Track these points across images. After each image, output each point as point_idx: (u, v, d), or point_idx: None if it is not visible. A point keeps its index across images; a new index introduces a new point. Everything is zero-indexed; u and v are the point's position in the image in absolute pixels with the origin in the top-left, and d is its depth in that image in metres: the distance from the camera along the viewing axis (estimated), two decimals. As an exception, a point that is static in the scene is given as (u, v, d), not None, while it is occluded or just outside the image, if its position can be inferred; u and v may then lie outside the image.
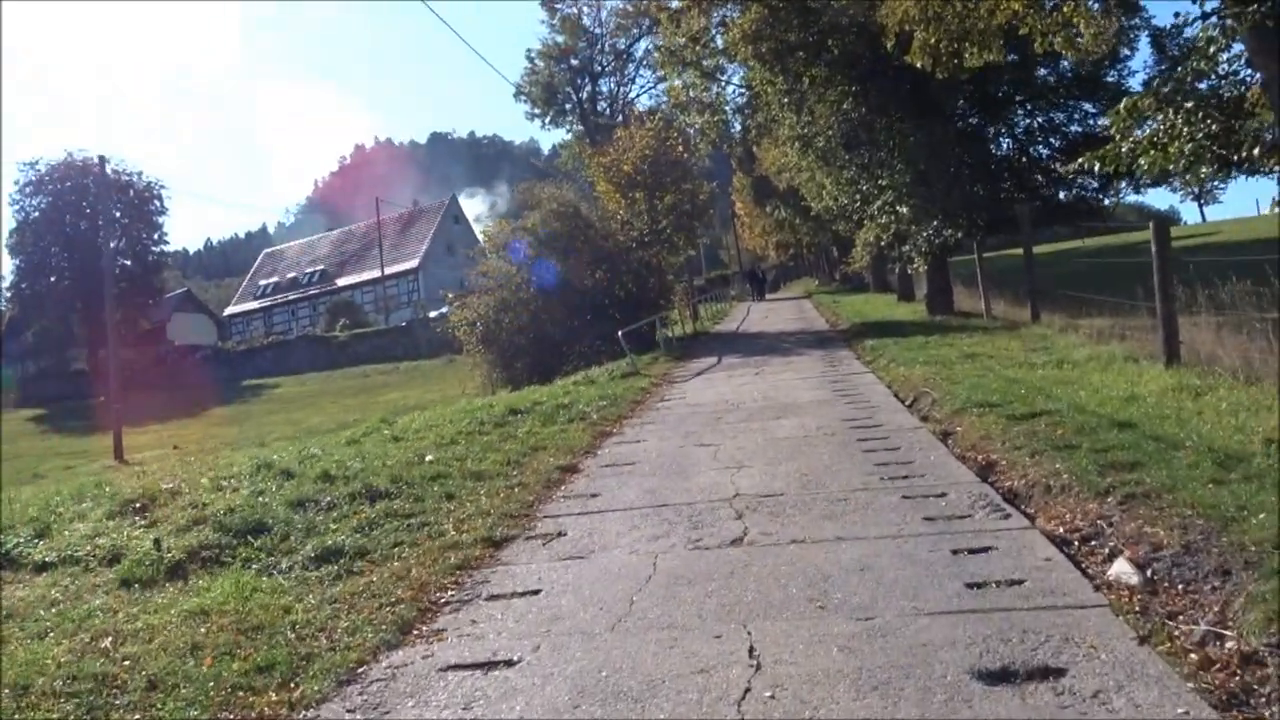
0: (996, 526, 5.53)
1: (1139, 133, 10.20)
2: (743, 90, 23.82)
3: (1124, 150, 9.55)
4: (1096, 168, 10.22)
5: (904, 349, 15.84)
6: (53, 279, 68.31)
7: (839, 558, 5.17)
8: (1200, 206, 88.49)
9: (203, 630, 4.89)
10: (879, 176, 21.48)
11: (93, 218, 67.70)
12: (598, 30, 59.88)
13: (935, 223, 19.84)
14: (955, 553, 5.09)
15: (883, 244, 35.32)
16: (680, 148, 27.50)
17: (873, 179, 22.04)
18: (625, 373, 16.89)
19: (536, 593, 5.20)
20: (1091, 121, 21.21)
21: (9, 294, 72.39)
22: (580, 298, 24.51)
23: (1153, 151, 9.21)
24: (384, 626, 4.81)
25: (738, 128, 26.26)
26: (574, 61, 60.24)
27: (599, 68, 60.50)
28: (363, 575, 5.75)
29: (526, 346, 24.27)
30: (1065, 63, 20.41)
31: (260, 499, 7.91)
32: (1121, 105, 9.56)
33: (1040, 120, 20.49)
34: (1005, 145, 21.19)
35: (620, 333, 18.36)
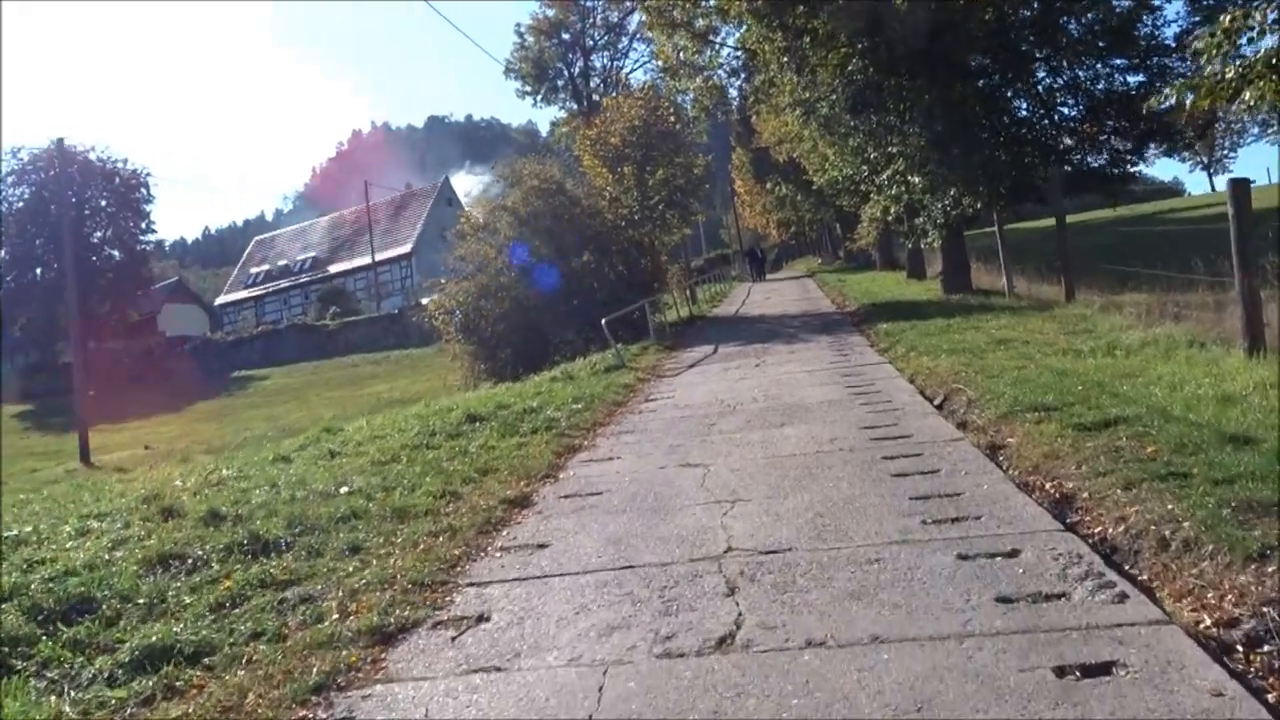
0: (1111, 618, 3.71)
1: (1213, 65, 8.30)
2: (738, 53, 21.87)
3: (1228, 76, 7.67)
4: (1188, 101, 8.32)
5: (924, 334, 14.01)
6: (39, 271, 66.83)
7: (881, 683, 3.35)
8: (1210, 176, 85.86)
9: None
10: (888, 143, 19.56)
11: (79, 206, 66.06)
12: (589, 3, 57.75)
13: (953, 192, 17.93)
14: (1062, 674, 3.28)
15: (890, 218, 33.53)
16: (673, 118, 25.57)
17: (881, 146, 20.12)
18: (609, 366, 15.08)
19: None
20: (1118, 79, 19.23)
21: (-4, 287, 70.69)
22: (566, 281, 22.65)
23: (1273, 77, 7.30)
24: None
25: (734, 94, 24.39)
26: (565, 36, 58.16)
27: (591, 42, 58.45)
28: (184, 698, 3.96)
29: (509, 335, 22.44)
30: (1090, 14, 18.46)
31: (115, 553, 6.14)
32: (1225, 19, 7.69)
33: (1064, 78, 18.51)
34: (1024, 106, 19.20)
35: (605, 321, 16.51)
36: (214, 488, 8.39)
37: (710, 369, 14.13)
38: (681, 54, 22.58)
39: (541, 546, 5.67)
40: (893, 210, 26.25)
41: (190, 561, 5.80)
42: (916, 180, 19.30)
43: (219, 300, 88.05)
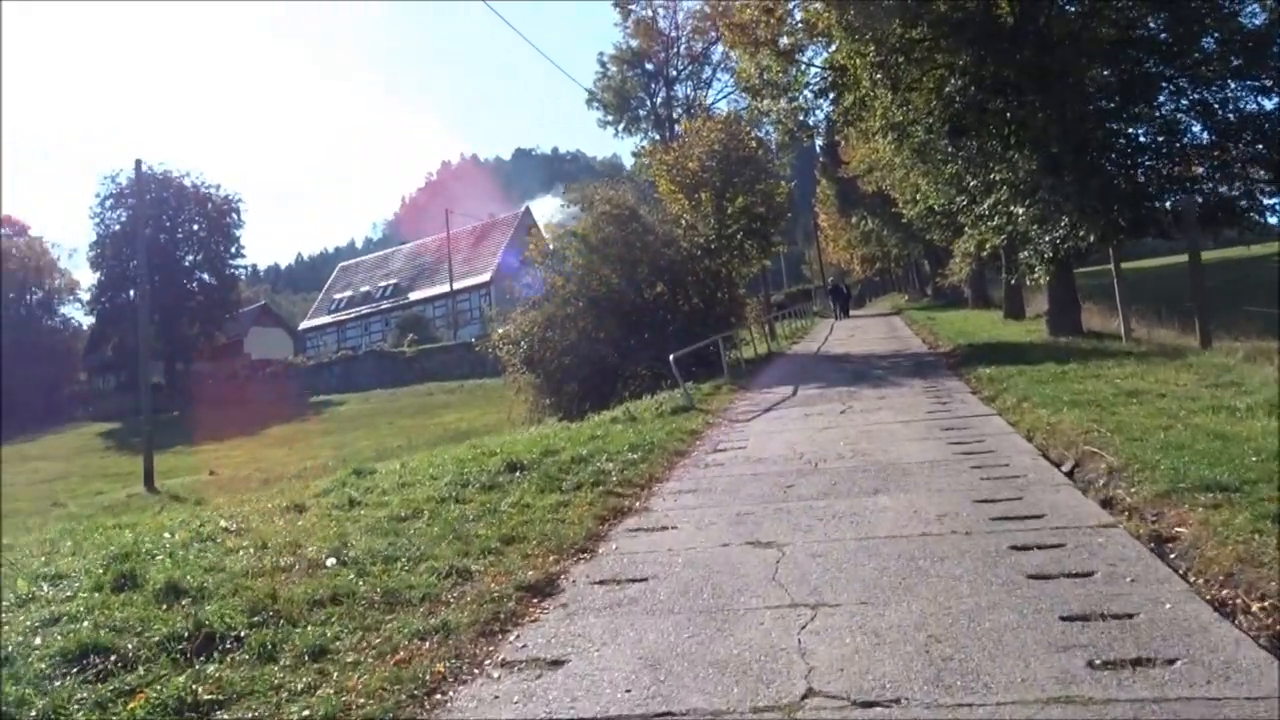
0: None
1: None
2: (826, 73, 20.40)
3: None
4: None
5: (1035, 381, 12.26)
6: (132, 292, 68.52)
7: None
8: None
9: None
10: (991, 170, 17.82)
11: (172, 230, 67.64)
12: (673, 33, 56.94)
13: (1064, 222, 16.11)
14: None
15: (984, 254, 31.53)
16: (754, 143, 24.15)
17: (982, 174, 18.38)
18: (676, 407, 13.62)
19: None
20: (1251, 101, 17.18)
21: (90, 308, 72.65)
22: (637, 313, 21.32)
23: None
24: None
25: (820, 116, 22.97)
26: (648, 66, 57.40)
27: (674, 72, 57.53)
28: None
29: (574, 369, 21.14)
30: (1219, 31, 16.56)
31: (38, 637, 4.91)
32: None
33: (1190, 99, 16.53)
34: (1144, 130, 17.22)
35: (673, 357, 15.05)
36: (201, 543, 7.17)
37: (789, 414, 12.57)
38: (765, 74, 21.23)
39: (556, 664, 4.25)
40: (991, 244, 24.42)
41: (113, 659, 4.52)
42: (1020, 211, 17.52)
43: (303, 325, 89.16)
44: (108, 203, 66.67)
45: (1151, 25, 15.77)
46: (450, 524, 7.20)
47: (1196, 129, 17.47)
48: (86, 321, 76.84)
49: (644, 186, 25.32)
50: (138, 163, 34.29)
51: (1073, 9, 15.01)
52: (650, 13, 55.34)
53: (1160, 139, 16.87)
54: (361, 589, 5.44)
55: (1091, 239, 16.23)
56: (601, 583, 5.51)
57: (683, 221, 22.97)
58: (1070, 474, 7.42)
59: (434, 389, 52.51)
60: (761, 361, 22.30)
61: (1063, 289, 19.00)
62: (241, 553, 6.59)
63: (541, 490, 8.14)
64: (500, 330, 22.85)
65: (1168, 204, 16.45)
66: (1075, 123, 15.30)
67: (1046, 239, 17.07)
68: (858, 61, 16.92)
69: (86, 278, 71.62)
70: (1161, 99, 17.30)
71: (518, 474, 8.98)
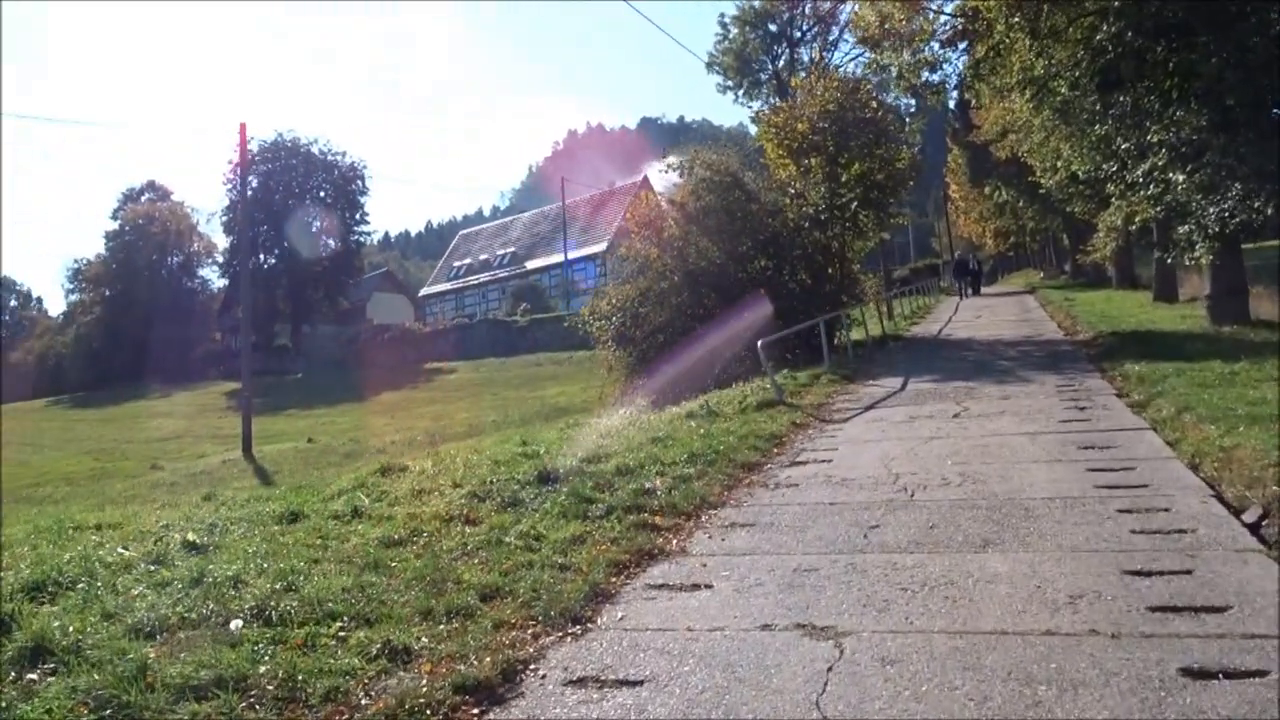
0: None
1: None
2: (956, 20, 18.05)
3: None
4: None
5: (1197, 384, 10.07)
6: (261, 256, 70.40)
7: None
8: None
9: None
10: (1148, 130, 15.28)
11: (300, 196, 68.97)
12: (800, -9, 54.20)
13: (1236, 190, 13.57)
14: None
15: (1133, 228, 28.42)
16: (874, 103, 21.86)
17: (1137, 135, 15.84)
18: (763, 401, 11.88)
19: None
20: None
21: (223, 270, 74.89)
22: (738, 289, 19.51)
23: None
24: None
25: (948, 71, 20.52)
26: (771, 28, 54.84)
27: (798, 33, 54.81)
28: None
29: (668, 348, 19.52)
30: None
31: None
32: None
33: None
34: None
35: (761, 343, 13.28)
36: (130, 571, 5.92)
37: (892, 416, 10.69)
38: (886, 23, 19.01)
39: None
40: (1143, 217, 21.65)
41: None
42: (1181, 178, 14.97)
43: (422, 292, 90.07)
44: (238, 168, 68.11)
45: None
46: (438, 558, 5.79)
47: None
48: (221, 284, 79.26)
49: (750, 152, 23.36)
50: (242, 127, 33.82)
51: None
52: (776, -30, 52.76)
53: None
54: (258, 673, 4.02)
55: (1270, 211, 13.64)
56: (579, 683, 3.94)
57: (790, 190, 20.96)
58: (1257, 527, 5.47)
59: (543, 359, 51.89)
60: (873, 346, 20.20)
61: (1229, 270, 16.35)
62: (165, 592, 5.28)
63: (563, 515, 6.61)
64: (591, 304, 21.39)
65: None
66: (1259, 69, 12.70)
67: (1212, 211, 14.51)
68: (992, 3, 14.61)
69: (222, 241, 73.58)
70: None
71: (546, 488, 7.47)
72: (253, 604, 4.95)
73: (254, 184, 67.25)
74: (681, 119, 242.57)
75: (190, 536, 6.82)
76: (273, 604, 4.95)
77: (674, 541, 6.04)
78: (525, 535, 6.15)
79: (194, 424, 43.01)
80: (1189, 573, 4.68)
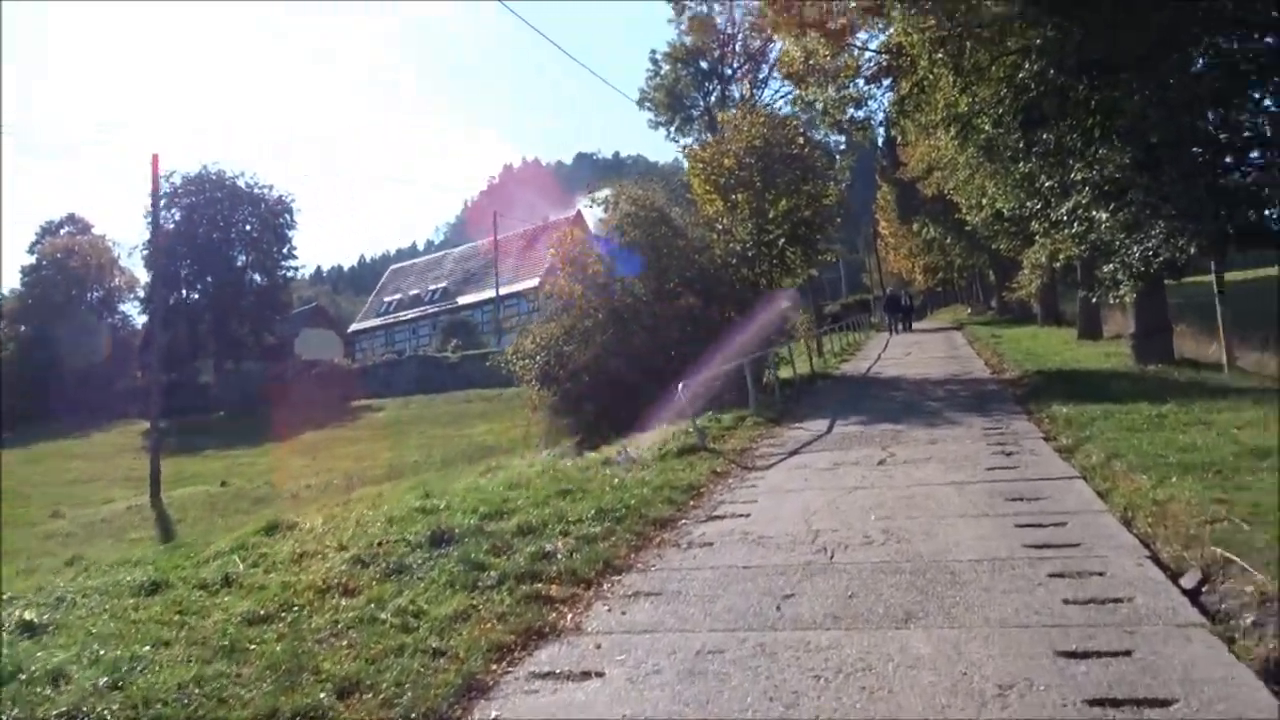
0: None
1: None
2: (881, 57, 17.97)
3: None
4: None
5: (1126, 427, 9.81)
6: (184, 292, 68.51)
7: None
8: None
9: None
10: (1070, 168, 15.23)
11: (225, 230, 67.30)
12: (730, 29, 54.53)
13: (1159, 229, 13.51)
14: None
15: (1058, 265, 28.68)
16: (801, 140, 21.69)
17: (1060, 173, 15.79)
18: (684, 447, 11.34)
19: None
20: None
21: (144, 306, 72.65)
22: (664, 327, 19.07)
23: None
24: None
25: (873, 107, 20.42)
26: (702, 64, 55.06)
27: (729, 70, 55.09)
28: None
29: (593, 389, 18.98)
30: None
31: None
32: None
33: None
34: (1262, 119, 14.41)
35: (682, 386, 12.77)
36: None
37: (816, 462, 10.22)
38: (811, 59, 18.85)
39: None
40: (1067, 255, 21.75)
41: None
42: (1104, 216, 14.91)
43: (352, 328, 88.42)
44: (161, 201, 66.26)
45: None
46: (302, 640, 5.12)
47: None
48: (143, 319, 76.77)
49: (678, 187, 23.04)
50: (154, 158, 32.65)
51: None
52: (706, 8, 52.98)
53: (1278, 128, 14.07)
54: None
55: (1192, 250, 13.60)
56: (429, 813, 3.32)
57: (718, 226, 20.64)
58: (1197, 594, 5.06)
59: (473, 396, 50.98)
60: (802, 385, 19.82)
61: (1152, 309, 16.32)
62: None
63: (451, 584, 5.96)
64: (515, 342, 20.77)
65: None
66: (1180, 107, 12.66)
67: (1136, 249, 14.46)
68: (915, 38, 14.47)
69: (144, 276, 71.33)
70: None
71: (439, 551, 6.81)
72: (66, 709, 4.24)
73: (177, 217, 65.58)
74: (617, 154, 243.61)
75: (29, 615, 6.03)
76: (90, 707, 4.24)
77: (569, 616, 5.43)
78: (403, 611, 5.49)
79: (106, 466, 41.23)
80: (1128, 654, 4.22)
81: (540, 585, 5.87)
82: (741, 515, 7.80)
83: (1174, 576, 5.34)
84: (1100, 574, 5.42)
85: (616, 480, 9.40)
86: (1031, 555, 5.88)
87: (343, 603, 5.85)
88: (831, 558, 6.22)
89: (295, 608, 5.83)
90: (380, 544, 7.18)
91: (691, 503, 8.47)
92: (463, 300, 78.55)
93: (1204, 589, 5.11)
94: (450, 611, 5.41)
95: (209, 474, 34.89)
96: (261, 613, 5.76)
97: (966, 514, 7.14)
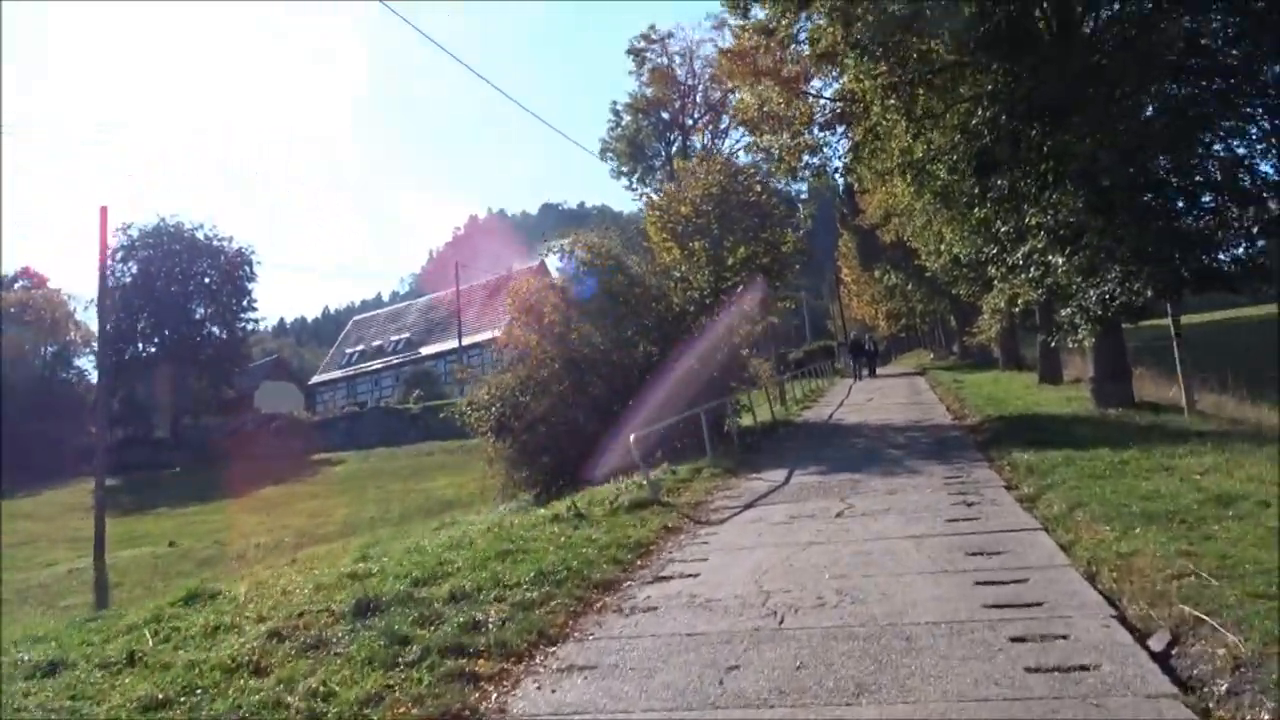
0: None
1: None
2: (835, 104, 17.96)
3: None
4: None
5: (1088, 475, 9.55)
6: (139, 345, 67.49)
7: None
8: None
9: None
10: (1025, 214, 15.17)
11: (184, 283, 66.47)
12: (690, 81, 55.10)
13: (1115, 273, 13.42)
14: None
15: (1017, 309, 28.74)
16: (759, 187, 21.60)
17: (1015, 218, 15.74)
18: (637, 500, 10.93)
19: None
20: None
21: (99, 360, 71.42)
22: (622, 376, 18.73)
23: None
24: None
25: (828, 154, 20.38)
26: (664, 115, 55.53)
27: (690, 120, 55.56)
28: None
29: (550, 440, 18.54)
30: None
31: None
32: None
33: (1267, 124, 13.76)
34: (1211, 163, 14.45)
35: (633, 438, 12.35)
36: None
37: (772, 515, 9.84)
38: (765, 106, 18.82)
39: None
40: (1025, 299, 21.73)
41: None
42: (1060, 261, 14.83)
43: (314, 379, 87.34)
44: (118, 255, 65.44)
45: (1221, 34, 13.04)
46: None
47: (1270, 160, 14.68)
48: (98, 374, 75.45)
49: (633, 235, 22.85)
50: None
51: (1131, 9, 12.37)
52: (666, 60, 53.53)
53: (1227, 170, 14.09)
54: None
55: (1148, 293, 13.50)
56: None
57: (675, 273, 20.41)
58: (1166, 657, 4.73)
59: (435, 448, 50.31)
60: (762, 433, 19.50)
61: (1111, 353, 16.20)
62: None
63: (370, 661, 5.48)
64: (470, 393, 20.30)
65: (1240, 251, 13.70)
66: (1132, 152, 12.62)
67: (1092, 293, 14.35)
68: (867, 84, 14.38)
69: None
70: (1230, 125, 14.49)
71: (363, 622, 6.34)
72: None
73: (134, 270, 64.74)
74: (582, 204, 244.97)
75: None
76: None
77: (494, 696, 4.98)
78: (313, 694, 5.01)
79: (53, 526, 40.03)
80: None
81: (466, 661, 5.41)
82: (690, 575, 7.39)
83: (1142, 638, 5.00)
84: (1064, 637, 5.06)
85: (564, 537, 8.96)
86: (992, 617, 5.52)
87: (250, 684, 5.35)
88: (781, 622, 5.82)
89: (198, 691, 5.33)
90: (302, 615, 6.70)
91: (639, 562, 8.04)
92: (426, 351, 77.97)
93: (1174, 651, 4.79)
94: (364, 693, 4.94)
95: (159, 533, 33.99)
96: (160, 697, 5.26)
97: (925, 570, 6.78)
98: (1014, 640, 5.07)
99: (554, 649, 5.76)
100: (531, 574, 7.24)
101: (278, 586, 8.07)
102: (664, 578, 7.42)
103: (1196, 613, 5.00)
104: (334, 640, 6.04)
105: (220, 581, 9.52)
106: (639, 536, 8.88)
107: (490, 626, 6.04)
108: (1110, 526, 7.11)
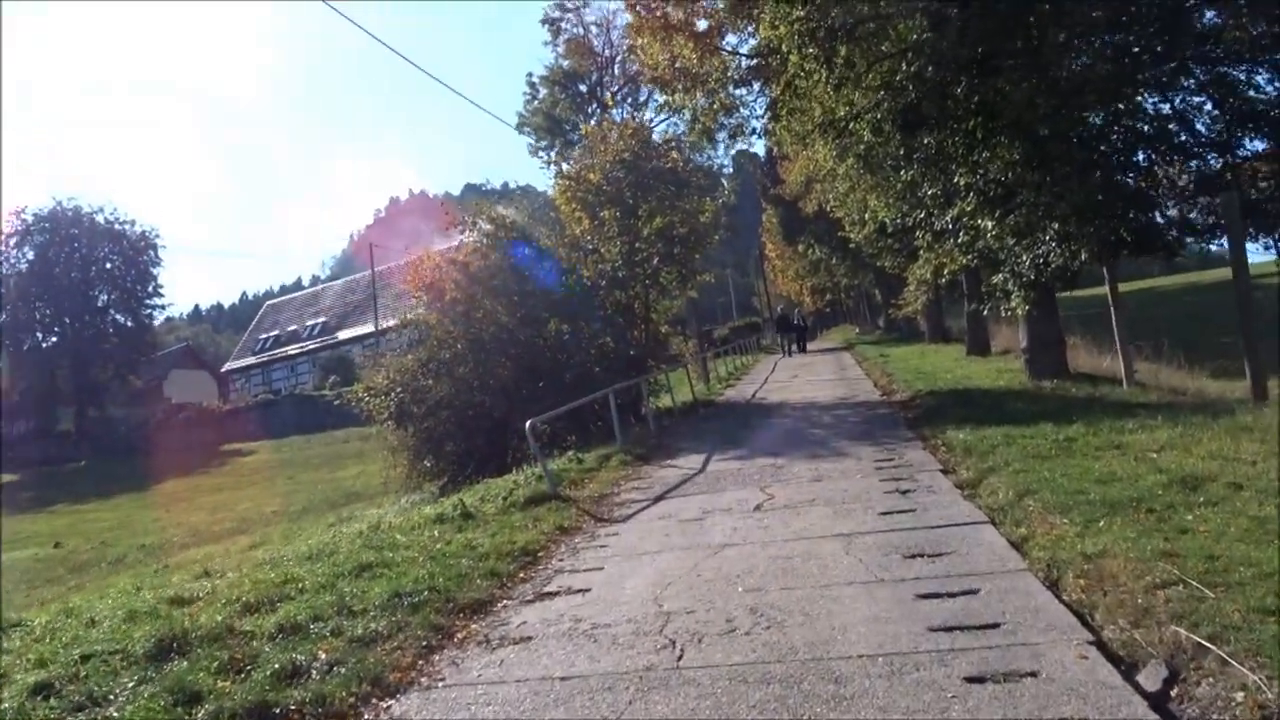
0: None
1: None
2: (751, 61, 16.80)
3: None
4: None
5: (1033, 455, 8.55)
6: (39, 335, 63.96)
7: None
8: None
9: None
10: (955, 174, 14.20)
11: (84, 268, 63.07)
12: (607, 52, 53.52)
13: (1051, 234, 12.51)
14: None
15: (943, 280, 28.06)
16: (675, 154, 20.37)
17: (944, 179, 14.77)
18: (533, 495, 9.68)
19: None
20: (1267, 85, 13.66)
21: (-5, 352, 67.59)
22: (531, 356, 17.43)
23: None
24: None
25: (749, 114, 19.23)
26: (581, 87, 53.93)
27: (609, 94, 53.99)
28: None
29: (453, 426, 17.19)
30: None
31: None
32: None
33: (1208, 75, 12.89)
34: (1146, 120, 13.62)
35: (530, 425, 11.05)
36: None
37: (682, 510, 8.66)
38: (677, 62, 17.58)
39: None
40: (951, 269, 20.92)
41: None
42: (991, 224, 13.90)
43: (226, 367, 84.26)
44: (11, 241, 61.80)
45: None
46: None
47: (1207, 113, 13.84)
48: (-2, 365, 71.41)
49: (543, 207, 21.47)
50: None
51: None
52: (582, 30, 51.88)
53: (1160, 125, 13.26)
54: None
55: (1084, 256, 12.61)
56: None
57: (585, 246, 19.09)
58: (1164, 699, 3.66)
59: (350, 435, 48.47)
60: (681, 414, 18.35)
61: (1045, 321, 15.36)
62: None
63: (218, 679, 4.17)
64: (367, 377, 18.79)
65: (1180, 210, 12.89)
66: (1070, 94, 11.64)
67: (1026, 257, 13.44)
68: (783, 30, 13.21)
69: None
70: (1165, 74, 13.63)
71: (155, 668, 4.99)
72: None
73: (29, 257, 61.23)
74: (506, 184, 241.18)
75: None
76: None
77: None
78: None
79: (-70, 532, 37.51)
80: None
81: (303, 705, 4.12)
82: (579, 590, 6.17)
83: (1129, 671, 3.93)
84: (1034, 674, 3.96)
85: (440, 545, 7.67)
86: (941, 645, 4.40)
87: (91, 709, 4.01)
88: (680, 659, 4.63)
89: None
90: (89, 659, 5.32)
91: (521, 574, 6.79)
92: (343, 335, 75.65)
93: (1172, 692, 3.72)
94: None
95: (49, 533, 31.83)
96: None
97: (856, 580, 5.65)
98: (970, 681, 3.96)
99: (388, 704, 4.49)
100: (385, 596, 5.94)
101: (87, 614, 6.65)
102: (547, 594, 6.19)
103: (1195, 637, 3.95)
104: (110, 698, 4.69)
105: (14, 613, 8.03)
106: (526, 541, 7.61)
107: (314, 673, 4.74)
108: (1068, 519, 6.09)
